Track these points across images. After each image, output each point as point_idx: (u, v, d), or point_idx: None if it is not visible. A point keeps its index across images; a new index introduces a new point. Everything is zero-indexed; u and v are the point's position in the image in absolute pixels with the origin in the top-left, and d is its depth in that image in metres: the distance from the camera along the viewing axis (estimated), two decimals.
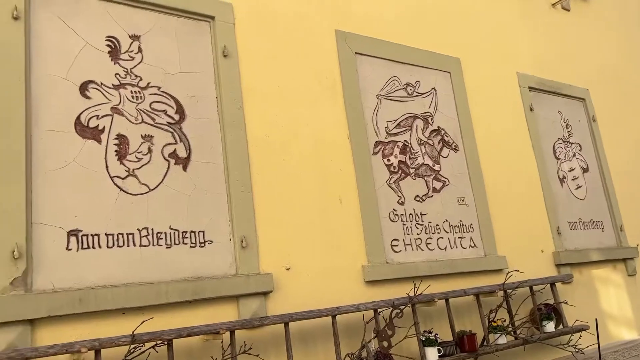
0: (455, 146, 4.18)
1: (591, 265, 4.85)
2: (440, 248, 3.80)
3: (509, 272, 3.82)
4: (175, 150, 2.80)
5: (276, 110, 3.27)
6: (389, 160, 3.74)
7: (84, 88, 2.61)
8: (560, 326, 4.06)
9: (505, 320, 3.66)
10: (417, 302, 3.29)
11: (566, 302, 4.06)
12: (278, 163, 3.18)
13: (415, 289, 3.27)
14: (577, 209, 5.02)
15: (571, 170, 5.15)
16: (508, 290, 3.79)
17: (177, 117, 2.86)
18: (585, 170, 5.30)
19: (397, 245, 3.58)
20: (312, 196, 3.27)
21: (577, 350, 3.82)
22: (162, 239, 2.63)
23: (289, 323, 2.79)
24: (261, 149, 3.12)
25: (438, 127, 4.12)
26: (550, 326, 3.93)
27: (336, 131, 3.52)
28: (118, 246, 2.50)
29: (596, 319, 3.86)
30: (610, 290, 4.95)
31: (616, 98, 5.85)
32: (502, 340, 3.59)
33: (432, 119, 4.11)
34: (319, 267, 3.17)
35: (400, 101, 3.96)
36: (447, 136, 4.15)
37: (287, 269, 3.02)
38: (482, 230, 4.07)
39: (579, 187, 5.15)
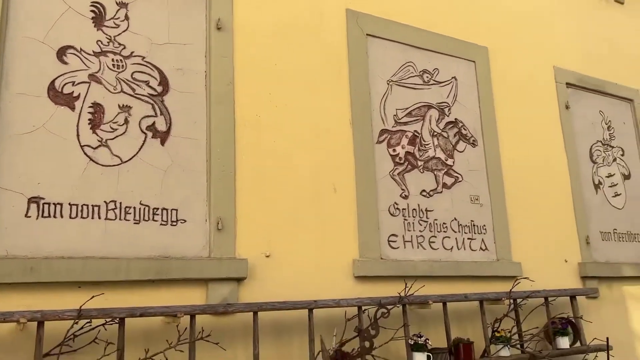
0: (473, 140, 3.87)
1: (624, 280, 4.41)
2: (445, 248, 3.53)
3: (517, 279, 3.49)
4: (154, 123, 2.69)
5: (271, 90, 3.10)
6: (394, 150, 3.50)
7: (61, 53, 2.53)
8: (578, 344, 3.69)
9: (512, 333, 3.35)
10: (409, 302, 3.05)
11: (581, 317, 3.67)
12: (268, 145, 3.01)
13: (407, 289, 3.02)
14: (613, 219, 4.58)
15: (609, 176, 4.70)
16: (518, 300, 3.47)
17: (159, 89, 2.74)
18: (626, 177, 4.83)
19: (395, 242, 3.34)
20: (303, 183, 3.09)
21: None
22: (130, 213, 2.53)
23: (259, 313, 2.62)
24: (250, 129, 2.97)
25: (455, 119, 3.83)
26: (564, 342, 3.58)
27: (338, 116, 3.32)
28: (82, 217, 2.41)
29: (607, 338, 3.47)
30: None
31: None
32: (505, 352, 3.29)
33: (449, 110, 3.82)
34: (304, 258, 2.98)
35: (414, 89, 3.70)
36: (465, 129, 3.85)
37: (267, 256, 2.85)
38: (496, 232, 3.76)
39: (617, 194, 4.70)
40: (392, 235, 3.34)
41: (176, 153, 2.71)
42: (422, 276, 3.29)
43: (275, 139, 3.03)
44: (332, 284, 3.02)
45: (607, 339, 3.44)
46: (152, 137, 2.66)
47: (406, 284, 3.03)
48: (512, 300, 3.45)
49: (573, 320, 3.72)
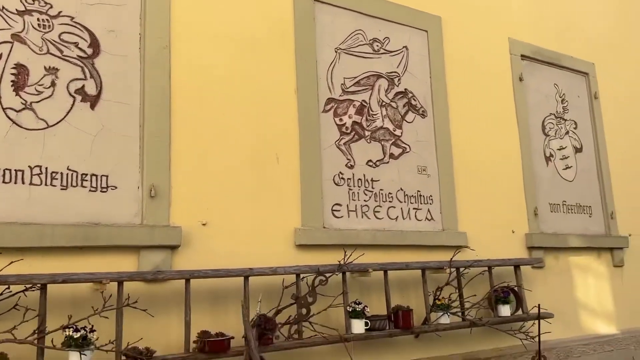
0: (423, 111, 3.86)
1: (571, 251, 4.51)
2: (390, 218, 3.54)
3: (458, 249, 3.54)
4: (83, 86, 2.60)
5: (211, 54, 3.03)
6: (341, 120, 3.47)
7: None
8: (520, 312, 3.78)
9: (453, 300, 3.40)
10: (348, 270, 3.07)
11: (521, 286, 3.75)
12: (206, 111, 2.95)
13: (347, 257, 3.04)
14: (563, 191, 4.66)
15: (561, 148, 4.76)
16: (461, 269, 3.52)
17: (89, 51, 2.65)
18: (578, 150, 4.90)
19: (338, 211, 3.34)
20: (244, 151, 3.04)
21: (528, 337, 3.54)
22: (57, 179, 2.46)
23: (194, 281, 2.61)
24: (187, 94, 2.90)
25: (405, 89, 3.81)
26: (505, 310, 3.66)
27: (282, 83, 3.26)
28: (3, 182, 2.34)
29: (538, 305, 3.55)
30: (590, 280, 4.61)
31: (624, 74, 5.37)
32: (445, 320, 3.35)
33: (399, 80, 3.80)
34: (244, 226, 2.96)
35: (364, 57, 3.66)
36: (414, 100, 3.84)
37: (204, 225, 2.82)
38: (442, 203, 3.79)
39: (568, 167, 4.77)
40: (336, 204, 3.34)
41: (107, 118, 2.63)
42: (365, 245, 3.31)
43: (214, 105, 2.97)
44: (272, 252, 3.01)
45: (539, 305, 3.51)
46: (81, 101, 2.58)
47: (345, 252, 3.04)
48: (455, 269, 3.50)
49: (516, 289, 3.80)
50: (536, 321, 3.79)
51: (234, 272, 2.69)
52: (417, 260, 3.42)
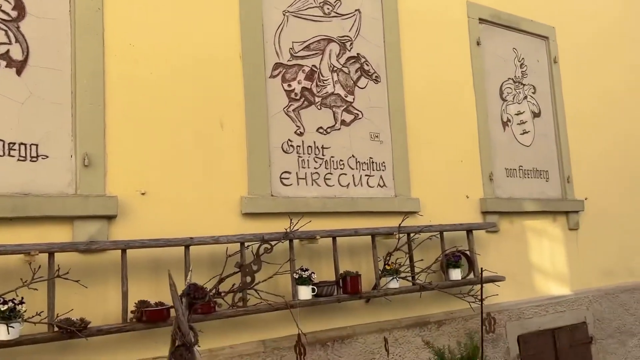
0: (376, 77, 3.81)
1: (526, 215, 4.57)
2: (341, 185, 3.52)
3: (407, 214, 3.55)
4: (8, 51, 2.48)
5: (148, 17, 2.91)
6: (290, 85, 3.40)
7: None
8: (472, 276, 3.83)
9: (401, 265, 3.43)
10: (294, 238, 3.06)
11: (472, 250, 3.79)
12: (144, 77, 2.86)
13: (293, 225, 3.02)
14: (520, 156, 4.68)
15: (519, 113, 4.77)
16: (411, 234, 3.54)
17: (14, 14, 2.52)
18: (536, 115, 4.91)
19: (287, 179, 3.30)
20: (186, 117, 2.97)
21: (476, 300, 3.60)
22: None
23: (133, 251, 2.58)
24: (122, 59, 2.80)
25: (357, 54, 3.74)
26: (456, 274, 3.71)
27: (226, 47, 3.17)
28: None
29: (481, 268, 3.61)
30: (545, 243, 4.69)
31: (583, 39, 5.36)
32: (394, 284, 3.38)
33: (351, 44, 3.72)
34: (187, 195, 2.91)
35: (313, 20, 3.57)
36: (367, 65, 3.77)
37: (143, 194, 2.77)
38: (395, 169, 3.78)
39: (526, 132, 4.79)
40: (285, 172, 3.30)
41: (35, 84, 2.53)
42: (314, 212, 3.30)
43: (152, 70, 2.88)
44: (217, 221, 2.98)
45: (482, 269, 3.55)
46: (6, 67, 2.47)
47: (291, 220, 3.02)
48: (405, 235, 3.52)
49: (468, 253, 3.85)
50: (487, 284, 3.87)
51: (174, 241, 2.66)
52: (367, 227, 3.42)
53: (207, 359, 2.78)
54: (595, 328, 4.83)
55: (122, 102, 2.76)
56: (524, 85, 4.86)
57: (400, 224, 3.42)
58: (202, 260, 2.87)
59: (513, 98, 4.75)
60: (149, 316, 2.49)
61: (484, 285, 3.84)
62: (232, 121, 3.12)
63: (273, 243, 2.94)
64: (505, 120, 4.64)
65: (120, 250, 2.53)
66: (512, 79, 4.78)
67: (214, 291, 2.74)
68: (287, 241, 3.04)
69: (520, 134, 4.75)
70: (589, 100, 5.25)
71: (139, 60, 2.84)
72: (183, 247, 2.70)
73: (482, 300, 3.51)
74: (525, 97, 4.86)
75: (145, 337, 2.60)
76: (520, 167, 4.67)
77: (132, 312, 2.52)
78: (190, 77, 3.01)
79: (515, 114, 4.74)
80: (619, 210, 5.29)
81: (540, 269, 4.59)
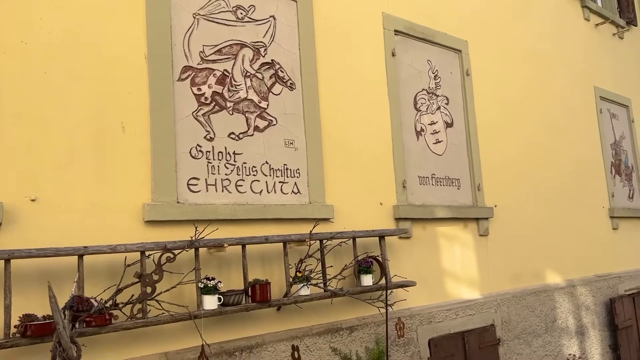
0: (291, 84, 3.81)
1: (438, 222, 4.71)
2: (254, 192, 3.48)
3: (319, 221, 3.56)
4: None
5: (43, 14, 2.76)
6: (200, 89, 3.33)
7: None
8: (384, 281, 3.90)
9: (312, 272, 3.43)
10: (200, 246, 2.98)
11: (382, 257, 3.86)
12: (36, 76, 2.70)
13: (198, 233, 2.94)
14: (432, 164, 4.83)
15: (432, 123, 4.93)
16: (324, 241, 3.55)
17: None
18: (449, 125, 5.10)
19: (196, 185, 3.22)
20: (82, 120, 2.83)
21: (388, 305, 3.66)
22: None
23: (16, 261, 2.41)
24: (12, 57, 2.63)
25: (272, 60, 3.72)
26: (367, 280, 3.76)
27: (130, 48, 3.06)
28: None
29: (386, 274, 3.69)
30: (457, 248, 4.86)
31: (495, 52, 5.64)
32: (305, 291, 3.37)
33: (265, 50, 3.70)
34: (84, 202, 2.77)
35: (226, 25, 3.52)
36: (282, 71, 3.77)
37: (32, 200, 2.60)
38: (310, 176, 3.78)
39: (439, 142, 4.95)
40: (193, 178, 3.22)
41: None
42: (224, 220, 3.24)
43: (45, 69, 2.72)
44: (118, 230, 2.85)
45: (387, 275, 3.62)
46: None
47: (196, 228, 2.94)
48: (318, 242, 3.53)
49: (380, 259, 3.91)
50: (398, 289, 3.95)
51: (64, 250, 2.51)
52: (279, 234, 3.40)
53: None
54: (503, 330, 5.05)
55: (11, 102, 2.59)
56: (437, 96, 5.04)
57: (311, 231, 3.43)
58: (100, 271, 2.73)
59: (427, 108, 4.91)
60: (34, 330, 2.34)
61: (395, 290, 3.92)
62: (135, 124, 3.01)
63: (176, 252, 2.85)
64: (419, 129, 4.78)
65: (3, 261, 2.35)
66: (426, 90, 4.94)
67: (110, 302, 2.63)
68: (194, 250, 2.96)
69: (434, 143, 4.91)
70: (496, 111, 5.52)
71: (31, 59, 2.68)
72: (76, 256, 2.56)
73: (387, 305, 3.59)
74: (439, 108, 5.04)
75: (31, 353, 2.43)
76: (433, 175, 4.82)
77: (15, 326, 2.34)
78: (89, 78, 2.88)
79: (429, 124, 4.90)
80: (526, 216, 5.58)
81: (451, 274, 4.75)
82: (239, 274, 3.23)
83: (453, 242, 4.84)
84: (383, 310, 3.68)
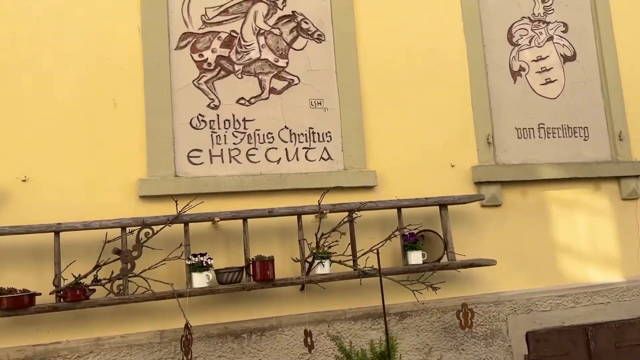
0: (318, 35, 3.34)
1: (547, 184, 3.70)
2: (269, 161, 3.16)
3: (327, 189, 3.05)
4: None
5: (32, 3, 2.87)
6: (201, 55, 3.13)
7: None
8: (445, 259, 3.20)
9: (330, 247, 2.95)
10: (186, 221, 2.80)
11: (432, 230, 3.14)
12: (26, 59, 2.83)
13: (181, 207, 2.77)
14: (540, 111, 3.80)
15: (539, 59, 3.86)
16: (353, 212, 3.05)
17: None
18: (568, 58, 3.94)
19: (198, 157, 3.05)
20: (73, 98, 2.88)
21: (432, 288, 2.98)
22: None
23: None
24: (1, 48, 2.80)
25: (293, 11, 3.31)
26: (415, 257, 3.12)
27: (121, 22, 3.02)
28: None
29: (450, 245, 2.91)
30: (580, 217, 3.76)
31: None
32: (322, 269, 2.93)
33: (284, 2, 3.31)
34: (76, 180, 2.83)
35: None
36: (306, 22, 3.33)
37: (23, 180, 2.75)
38: (344, 139, 3.29)
39: (550, 81, 3.87)
40: (195, 150, 3.05)
41: None
42: (228, 192, 3.02)
43: (35, 55, 2.83)
44: (112, 206, 2.85)
45: (378, 250, 2.82)
46: None
47: (176, 201, 2.78)
48: (349, 214, 3.05)
49: (439, 233, 3.21)
50: (464, 269, 3.21)
51: (36, 228, 2.59)
52: (290, 205, 3.02)
53: (91, 347, 2.69)
54: None
55: (1, 83, 2.77)
56: (547, 23, 3.92)
57: (319, 201, 2.96)
58: (92, 248, 2.76)
59: (530, 41, 3.86)
60: (9, 303, 2.47)
61: (463, 270, 3.20)
62: (127, 99, 2.96)
63: (158, 228, 2.73)
64: (516, 69, 3.79)
65: None
66: (529, 18, 3.88)
67: (92, 278, 2.66)
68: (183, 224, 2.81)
69: (542, 84, 3.84)
70: None
71: (21, 43, 2.83)
72: (52, 233, 2.63)
73: (415, 291, 2.90)
74: (551, 38, 3.92)
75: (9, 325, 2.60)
76: (541, 126, 3.79)
77: None
78: (79, 56, 2.92)
79: (533, 60, 3.85)
80: None
81: (568, 250, 3.68)
82: (255, 252, 2.95)
83: (574, 209, 3.75)
84: (447, 296, 3.01)
